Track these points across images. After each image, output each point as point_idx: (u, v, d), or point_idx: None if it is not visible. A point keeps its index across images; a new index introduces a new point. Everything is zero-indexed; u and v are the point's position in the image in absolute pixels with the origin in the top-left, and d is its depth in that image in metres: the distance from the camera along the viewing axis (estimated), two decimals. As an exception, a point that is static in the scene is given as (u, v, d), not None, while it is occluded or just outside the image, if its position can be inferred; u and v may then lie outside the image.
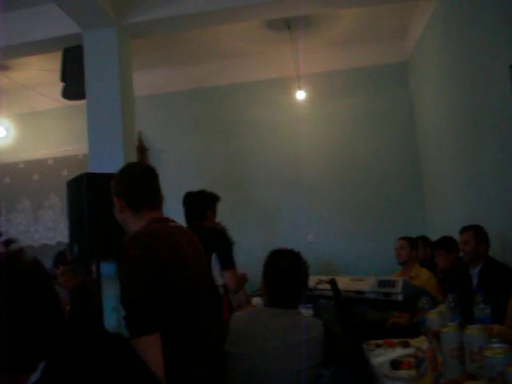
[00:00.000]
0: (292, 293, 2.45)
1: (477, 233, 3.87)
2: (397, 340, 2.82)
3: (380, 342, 2.84)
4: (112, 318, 4.29)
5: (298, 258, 2.50)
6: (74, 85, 5.24)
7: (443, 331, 2.02)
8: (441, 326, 2.18)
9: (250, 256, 5.76)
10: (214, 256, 3.74)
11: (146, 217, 2.11)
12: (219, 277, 3.76)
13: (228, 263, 3.80)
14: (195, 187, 6.98)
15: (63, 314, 1.22)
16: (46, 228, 7.25)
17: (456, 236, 4.18)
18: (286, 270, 2.44)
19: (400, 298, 3.69)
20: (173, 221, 2.20)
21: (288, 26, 5.97)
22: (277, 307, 2.41)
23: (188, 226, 3.85)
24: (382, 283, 3.91)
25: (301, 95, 6.65)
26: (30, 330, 1.11)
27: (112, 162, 4.95)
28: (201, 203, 4.12)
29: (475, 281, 3.87)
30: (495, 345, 1.57)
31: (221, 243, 3.85)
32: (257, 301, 4.97)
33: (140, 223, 2.08)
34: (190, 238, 2.21)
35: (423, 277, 4.58)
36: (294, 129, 6.80)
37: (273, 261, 2.50)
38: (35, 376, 1.13)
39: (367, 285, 4.08)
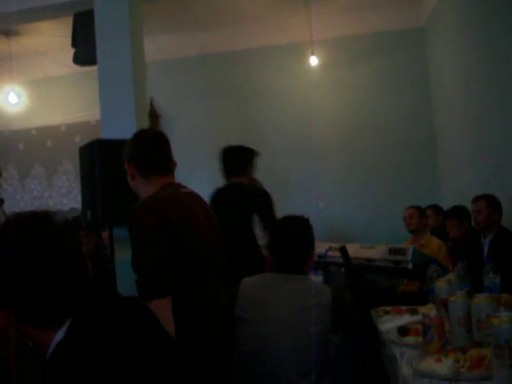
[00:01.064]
0: (298, 257, 2.47)
1: (489, 202, 3.86)
2: (405, 307, 2.84)
3: (388, 308, 2.86)
4: (125, 283, 4.35)
5: (303, 223, 2.51)
6: (84, 50, 5.21)
7: (451, 299, 2.03)
8: (449, 295, 2.19)
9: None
10: (255, 215, 3.73)
11: (156, 182, 2.11)
12: (262, 237, 3.74)
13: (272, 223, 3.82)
14: (207, 154, 7.04)
15: (89, 274, 1.25)
16: (60, 194, 7.33)
17: (468, 205, 4.17)
18: (289, 234, 2.46)
19: (410, 265, 3.70)
20: (184, 186, 2.20)
21: (302, -10, 5.89)
22: (285, 273, 2.43)
23: (226, 181, 3.91)
24: (392, 251, 3.91)
25: (314, 61, 6.58)
26: (60, 285, 1.16)
27: (124, 129, 4.94)
28: (240, 157, 4.01)
29: (486, 250, 3.88)
30: (502, 313, 1.57)
31: (263, 202, 3.83)
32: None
33: (151, 189, 2.09)
34: (201, 204, 2.23)
35: (434, 245, 4.59)
36: (307, 95, 6.73)
37: (277, 226, 2.52)
38: (59, 335, 1.17)
39: (377, 252, 4.08)
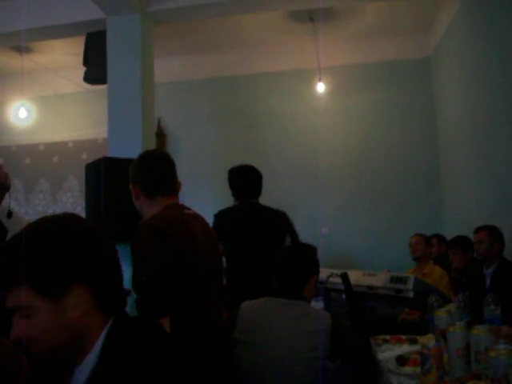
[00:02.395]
0: (298, 283, 2.48)
1: (491, 233, 3.85)
2: (404, 336, 2.83)
3: (388, 337, 2.85)
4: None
5: (306, 250, 2.53)
6: (95, 69, 5.28)
7: (450, 330, 2.02)
8: (448, 325, 2.18)
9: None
10: (288, 236, 3.76)
11: (160, 203, 2.14)
12: None
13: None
14: (212, 176, 7.07)
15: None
16: (64, 210, 7.34)
17: (471, 235, 4.16)
18: (290, 260, 2.48)
19: (411, 294, 3.69)
20: (188, 208, 2.23)
21: (311, 17, 5.96)
22: (285, 298, 2.44)
23: (241, 202, 3.81)
24: (394, 279, 3.90)
25: (321, 87, 6.62)
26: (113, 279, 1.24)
27: (130, 147, 5.01)
28: (260, 178, 3.93)
29: (488, 281, 3.86)
30: (500, 346, 1.57)
31: (291, 223, 3.89)
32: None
33: (155, 209, 2.12)
34: (204, 225, 2.24)
35: (436, 274, 4.57)
36: (313, 121, 6.77)
37: (282, 251, 2.53)
38: (94, 354, 1.18)
39: (379, 280, 4.07)
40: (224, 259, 3.70)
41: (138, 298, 1.89)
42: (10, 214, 2.40)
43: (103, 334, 1.19)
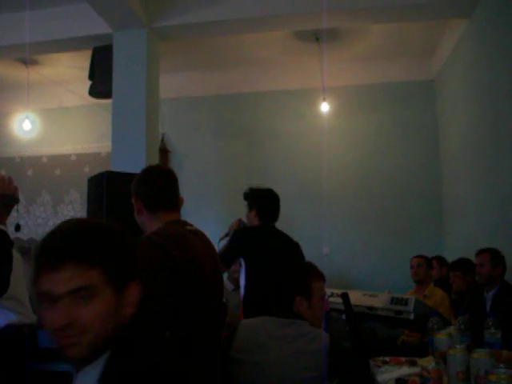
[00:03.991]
0: (287, 303, 2.47)
1: (493, 256, 3.84)
2: (404, 358, 2.81)
3: (387, 358, 2.82)
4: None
5: (307, 268, 2.53)
6: (101, 83, 5.32)
7: (450, 353, 2.01)
8: (448, 348, 2.17)
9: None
10: None
11: (162, 219, 2.13)
12: None
13: None
14: (215, 193, 7.09)
15: None
16: (65, 223, 7.34)
17: (472, 257, 4.15)
18: (292, 282, 2.47)
19: (411, 316, 3.68)
20: (190, 224, 2.22)
21: (316, 37, 6.00)
22: (284, 317, 2.42)
23: (269, 226, 3.92)
24: (394, 300, 3.89)
25: (325, 107, 6.63)
26: None
27: (133, 162, 5.02)
28: (279, 203, 4.04)
29: (489, 304, 3.84)
30: (500, 369, 1.56)
31: (302, 254, 4.00)
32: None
33: (156, 224, 2.11)
34: (205, 241, 2.23)
35: (437, 296, 4.55)
36: (316, 141, 6.78)
37: (283, 273, 2.52)
38: (98, 366, 1.14)
39: (379, 301, 4.05)
40: (243, 275, 3.81)
41: (136, 313, 1.87)
42: (18, 227, 2.42)
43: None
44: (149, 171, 2.30)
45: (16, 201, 2.38)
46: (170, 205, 2.20)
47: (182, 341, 1.94)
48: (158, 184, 2.20)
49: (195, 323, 2.01)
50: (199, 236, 2.22)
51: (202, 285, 2.06)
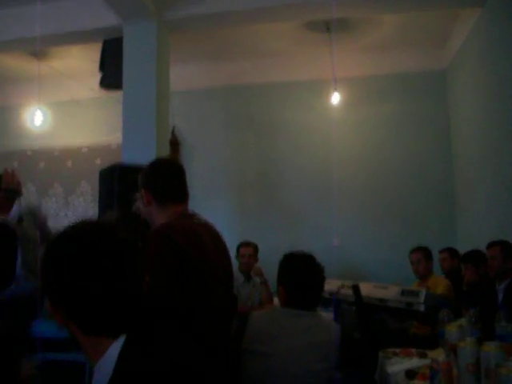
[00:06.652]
0: (309, 294, 2.48)
1: (504, 248, 3.82)
2: (414, 350, 2.80)
3: (397, 350, 2.82)
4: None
5: (314, 261, 2.52)
6: (111, 75, 5.33)
7: (460, 345, 2.00)
8: (459, 340, 2.16)
9: (273, 256, 5.75)
10: None
11: (171, 211, 2.14)
12: None
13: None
14: (225, 184, 7.09)
15: (143, 291, 1.27)
16: (76, 214, 7.39)
17: (483, 249, 4.13)
18: (303, 272, 2.46)
19: (422, 308, 3.67)
20: (197, 217, 2.22)
21: (327, 27, 5.95)
22: (294, 308, 2.42)
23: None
24: (405, 292, 3.89)
25: (336, 98, 6.58)
26: (112, 299, 1.18)
27: (144, 154, 5.02)
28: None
29: (501, 296, 3.82)
30: (511, 363, 1.55)
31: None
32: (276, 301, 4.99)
33: (164, 217, 2.12)
34: (213, 234, 2.23)
35: (440, 287, 4.59)
36: (326, 132, 6.75)
37: (289, 263, 2.52)
38: (116, 348, 1.19)
39: (390, 293, 4.05)
40: None
41: (145, 304, 1.88)
42: (21, 220, 2.44)
43: (110, 352, 1.19)
44: (158, 163, 2.31)
45: (19, 194, 2.42)
46: (179, 197, 2.21)
47: (193, 334, 1.95)
48: (168, 176, 2.21)
49: (205, 315, 2.02)
50: (208, 228, 2.23)
51: (212, 277, 2.07)
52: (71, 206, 7.45)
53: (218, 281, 2.13)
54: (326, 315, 4.01)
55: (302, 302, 2.44)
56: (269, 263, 5.48)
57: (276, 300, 5.00)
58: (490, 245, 3.93)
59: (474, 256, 4.45)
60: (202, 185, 6.46)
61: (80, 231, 1.23)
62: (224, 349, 2.13)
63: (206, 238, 2.13)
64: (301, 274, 2.46)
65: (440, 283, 4.64)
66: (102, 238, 1.21)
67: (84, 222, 1.26)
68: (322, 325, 2.37)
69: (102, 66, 5.40)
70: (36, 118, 7.23)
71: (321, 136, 6.89)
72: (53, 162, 7.61)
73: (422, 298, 3.72)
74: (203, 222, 2.22)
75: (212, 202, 6.68)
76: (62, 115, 7.68)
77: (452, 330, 2.34)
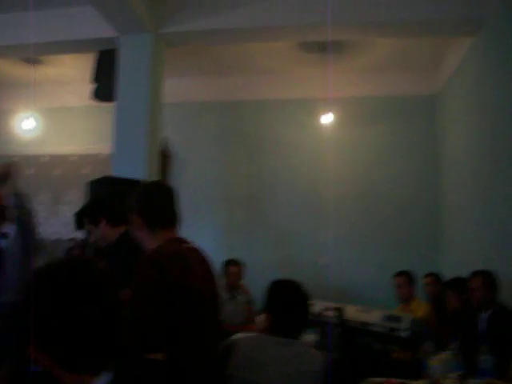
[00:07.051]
0: (296, 322, 2.48)
1: (485, 279, 3.83)
2: (398, 380, 2.81)
3: (381, 380, 2.83)
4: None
5: (301, 289, 2.53)
6: (104, 87, 5.32)
7: (443, 383, 2.02)
8: (443, 374, 2.18)
9: (260, 275, 5.76)
10: None
11: (161, 236, 2.16)
12: None
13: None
14: (215, 198, 7.08)
15: (125, 324, 1.28)
16: (63, 223, 7.33)
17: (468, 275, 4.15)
18: (291, 301, 2.47)
19: (405, 334, 3.70)
20: (187, 242, 2.24)
21: (321, 48, 5.99)
22: (281, 336, 2.42)
23: None
24: (389, 318, 3.91)
25: (327, 118, 6.62)
26: (94, 334, 1.18)
27: (134, 165, 5.04)
28: None
29: (484, 325, 3.83)
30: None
31: None
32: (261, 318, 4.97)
33: (155, 242, 2.14)
34: (201, 259, 2.25)
35: (421, 311, 4.64)
36: (317, 150, 6.79)
37: (277, 291, 2.52)
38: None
39: (373, 317, 4.08)
40: None
41: (133, 332, 1.88)
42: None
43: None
44: (149, 188, 2.33)
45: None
46: (169, 222, 2.24)
47: (179, 358, 1.95)
48: (158, 202, 2.23)
49: (192, 341, 2.03)
50: (196, 253, 2.25)
51: (199, 302, 2.08)
52: (60, 215, 7.40)
53: (206, 306, 2.15)
54: (308, 337, 4.04)
55: (288, 329, 2.44)
56: (255, 280, 5.51)
57: (259, 318, 5.00)
58: (472, 275, 3.95)
59: (458, 283, 4.48)
60: (191, 197, 6.44)
61: (57, 269, 1.23)
62: (210, 374, 2.14)
63: (194, 262, 2.15)
64: (289, 303, 2.46)
65: (423, 309, 4.67)
66: (78, 273, 1.21)
67: (61, 259, 1.27)
68: (310, 353, 2.37)
69: (97, 77, 5.39)
70: (26, 124, 7.20)
71: (312, 154, 6.92)
72: (41, 168, 7.56)
73: (405, 323, 3.75)
74: (192, 247, 2.24)
75: (201, 216, 6.67)
76: (53, 122, 7.63)
77: (435, 363, 2.36)
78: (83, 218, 3.42)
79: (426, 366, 2.47)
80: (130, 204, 2.24)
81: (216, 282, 2.33)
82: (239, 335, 2.72)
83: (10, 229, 3.64)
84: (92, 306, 1.18)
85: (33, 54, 5.91)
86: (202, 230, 6.32)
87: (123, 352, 1.26)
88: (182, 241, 2.22)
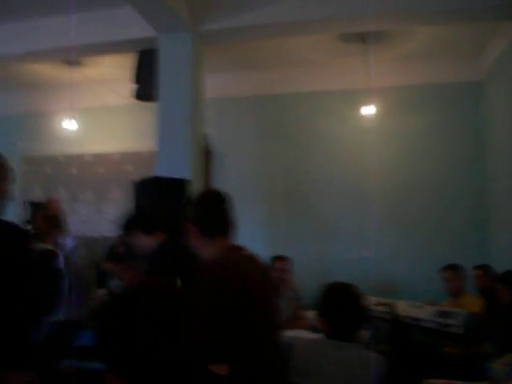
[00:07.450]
0: (351, 326, 2.48)
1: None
2: (457, 383, 2.77)
3: (440, 382, 2.79)
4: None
5: (356, 292, 2.52)
6: (145, 87, 5.36)
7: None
8: (505, 378, 2.13)
9: (304, 267, 5.76)
10: None
11: (218, 244, 2.18)
12: None
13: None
14: (256, 194, 7.06)
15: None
16: (107, 220, 7.44)
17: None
18: (346, 306, 2.47)
19: (459, 330, 3.65)
20: (244, 249, 2.24)
21: (362, 38, 5.90)
22: (338, 339, 2.42)
23: None
24: (441, 313, 3.87)
25: (370, 109, 6.51)
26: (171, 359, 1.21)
27: (179, 164, 5.08)
28: None
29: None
30: None
31: None
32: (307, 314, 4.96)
33: (213, 250, 2.15)
34: (260, 267, 2.25)
35: (472, 306, 4.53)
36: (359, 143, 6.68)
37: (331, 295, 2.52)
38: None
39: (425, 312, 4.04)
40: None
41: (196, 344, 1.89)
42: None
43: None
44: (206, 196, 2.35)
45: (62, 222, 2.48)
46: (226, 230, 2.24)
47: (242, 369, 1.95)
48: (215, 210, 2.24)
49: (253, 352, 2.03)
50: (254, 261, 2.25)
51: (259, 312, 2.08)
52: (103, 213, 7.52)
53: (266, 315, 2.15)
54: (363, 333, 4.02)
55: (344, 333, 2.44)
56: (299, 274, 5.49)
57: (306, 313, 5.00)
58: None
59: (510, 277, 4.37)
60: (232, 194, 6.44)
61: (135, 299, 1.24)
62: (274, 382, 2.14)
63: (254, 272, 2.15)
64: (343, 308, 2.46)
65: (474, 303, 4.56)
66: (155, 305, 1.22)
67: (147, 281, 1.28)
68: (367, 358, 2.36)
69: (138, 78, 5.43)
70: (69, 125, 7.32)
71: (354, 146, 6.82)
72: (84, 168, 7.68)
73: (459, 319, 3.71)
74: (250, 255, 2.24)
75: (242, 212, 6.65)
76: (94, 121, 7.74)
77: (498, 367, 2.31)
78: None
79: (487, 368, 2.42)
80: (185, 213, 2.25)
81: (273, 287, 2.33)
82: (291, 334, 2.72)
83: (65, 239, 3.70)
84: (169, 335, 1.20)
85: (74, 56, 5.98)
86: (243, 225, 6.32)
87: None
88: (239, 248, 2.23)
